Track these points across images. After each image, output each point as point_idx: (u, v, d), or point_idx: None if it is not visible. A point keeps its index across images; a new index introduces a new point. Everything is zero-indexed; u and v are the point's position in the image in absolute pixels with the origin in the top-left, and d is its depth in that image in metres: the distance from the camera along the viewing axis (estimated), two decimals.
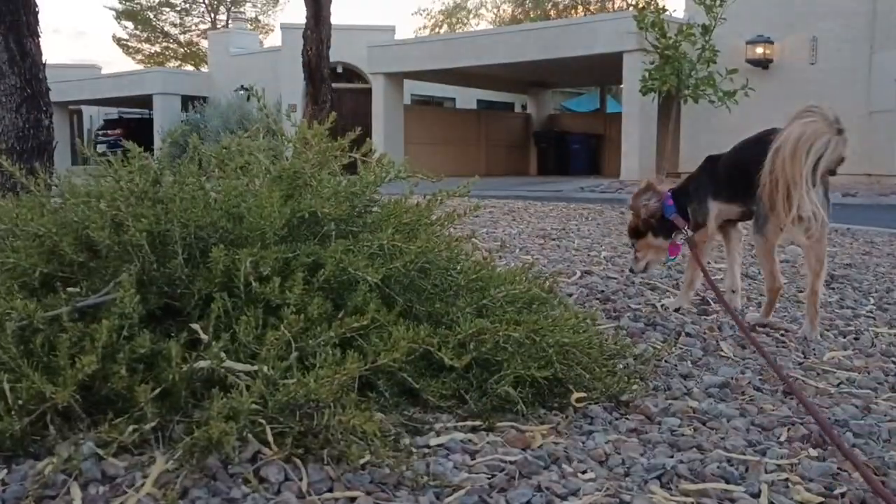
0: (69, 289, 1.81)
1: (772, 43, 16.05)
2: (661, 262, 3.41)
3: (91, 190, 2.05)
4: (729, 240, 3.29)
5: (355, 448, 1.52)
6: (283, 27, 21.92)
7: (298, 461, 1.52)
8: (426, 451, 1.65)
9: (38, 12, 3.95)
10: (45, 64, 3.95)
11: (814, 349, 2.70)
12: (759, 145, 2.77)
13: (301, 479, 1.47)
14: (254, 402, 1.52)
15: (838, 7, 15.49)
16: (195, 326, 1.75)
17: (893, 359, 2.65)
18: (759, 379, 2.33)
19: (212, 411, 1.50)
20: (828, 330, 2.98)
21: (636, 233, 3.30)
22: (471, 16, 39.19)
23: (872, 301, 3.59)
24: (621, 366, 2.24)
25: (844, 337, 2.91)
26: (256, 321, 1.73)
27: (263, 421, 1.55)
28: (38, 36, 3.93)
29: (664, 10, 14.98)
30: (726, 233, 3.27)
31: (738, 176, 2.92)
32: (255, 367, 1.63)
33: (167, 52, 39.16)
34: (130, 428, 1.52)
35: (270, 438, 1.53)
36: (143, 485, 1.42)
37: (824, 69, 15.70)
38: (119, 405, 1.59)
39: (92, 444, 1.51)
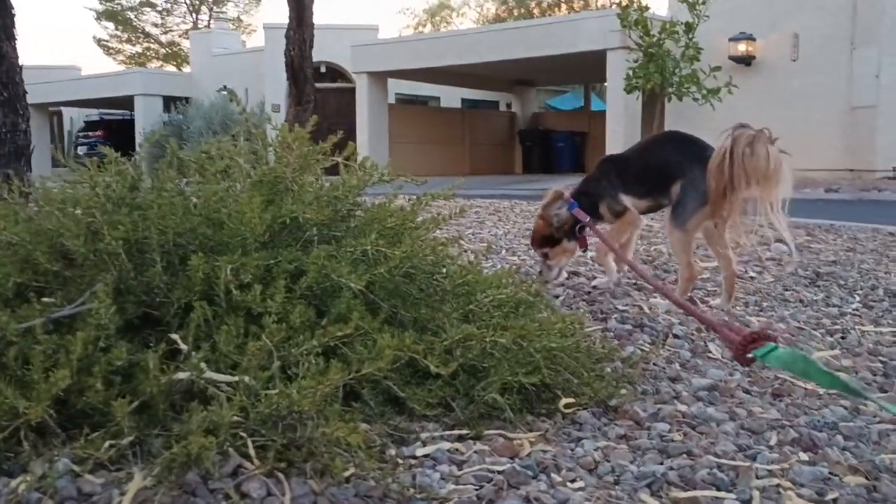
0: (44, 299, 1.76)
1: (754, 40, 16.12)
2: (569, 264, 3.68)
3: (66, 196, 2.01)
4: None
5: (339, 461, 1.48)
6: (266, 27, 21.81)
7: (281, 475, 1.48)
8: (412, 461, 1.62)
9: (14, 15, 3.89)
10: (21, 67, 3.88)
11: (801, 349, 2.69)
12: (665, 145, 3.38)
13: (284, 494, 1.43)
14: (235, 415, 1.48)
15: (819, 3, 15.57)
16: (174, 336, 1.70)
17: (881, 358, 2.64)
18: (748, 381, 2.31)
19: (191, 425, 1.45)
20: (815, 329, 2.97)
21: (551, 241, 3.50)
22: (454, 14, 39.20)
23: (858, 298, 3.59)
24: (609, 370, 2.21)
25: (831, 336, 2.90)
26: (237, 330, 1.69)
27: (245, 434, 1.51)
28: (14, 39, 3.86)
29: (647, 7, 15.01)
30: None
31: (648, 173, 3.33)
32: (237, 378, 1.59)
33: (148, 53, 38.92)
34: (107, 443, 1.48)
35: (252, 452, 1.49)
36: (120, 502, 1.38)
37: (806, 65, 15.78)
38: (95, 419, 1.55)
39: (67, 460, 1.47)
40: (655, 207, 3.46)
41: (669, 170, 3.25)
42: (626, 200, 3.37)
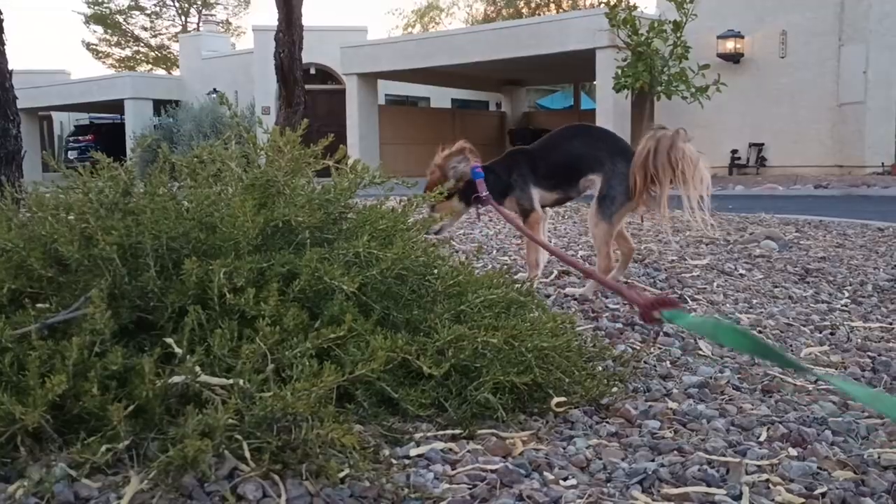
0: (38, 305, 1.77)
1: (742, 37, 16.20)
2: (453, 226, 3.66)
3: (59, 202, 2.01)
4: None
5: (334, 462, 1.50)
6: (255, 29, 21.78)
7: (276, 477, 1.49)
8: (406, 461, 1.63)
9: (2, 20, 3.89)
10: (11, 72, 3.88)
11: (790, 345, 2.72)
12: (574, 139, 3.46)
13: (280, 496, 1.44)
14: (230, 418, 1.50)
15: (806, 1, 15.66)
16: (169, 340, 1.71)
17: (869, 353, 2.67)
18: (738, 378, 2.33)
19: (187, 428, 1.47)
20: (804, 325, 3.00)
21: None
22: (443, 15, 39.21)
23: (847, 294, 3.62)
24: (600, 368, 2.23)
25: (820, 332, 2.93)
26: (231, 333, 1.70)
27: (240, 436, 1.52)
28: (3, 45, 3.86)
29: (635, 6, 15.07)
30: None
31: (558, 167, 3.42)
32: (231, 381, 1.60)
33: (138, 56, 38.82)
34: (103, 448, 1.49)
35: (248, 454, 1.51)
36: None
37: (794, 62, 15.88)
38: (91, 424, 1.56)
39: (64, 465, 1.48)
40: (563, 200, 3.59)
41: (583, 163, 3.35)
42: (535, 193, 3.44)
